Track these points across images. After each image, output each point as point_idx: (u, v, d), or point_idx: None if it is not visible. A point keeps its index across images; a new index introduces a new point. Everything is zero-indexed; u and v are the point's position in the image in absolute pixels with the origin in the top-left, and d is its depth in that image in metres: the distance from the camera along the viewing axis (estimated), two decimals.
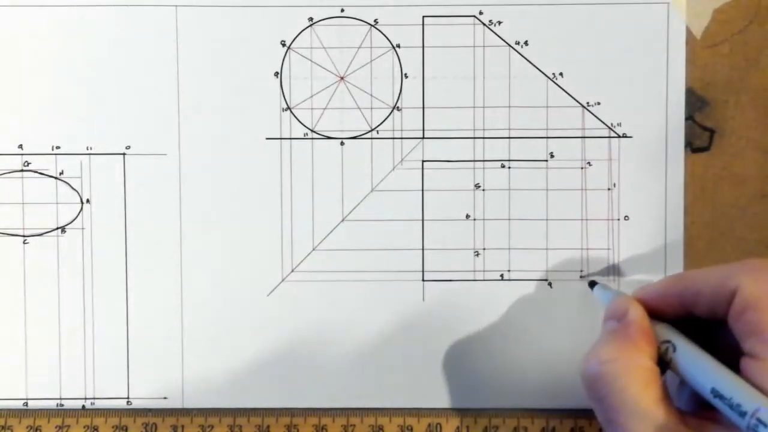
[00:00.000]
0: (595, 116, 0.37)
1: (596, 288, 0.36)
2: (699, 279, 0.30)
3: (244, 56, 0.37)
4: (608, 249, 0.37)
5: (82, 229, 0.38)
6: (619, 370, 0.29)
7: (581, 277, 0.37)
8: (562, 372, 0.37)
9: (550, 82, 0.37)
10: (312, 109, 0.38)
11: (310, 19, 0.37)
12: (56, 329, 0.38)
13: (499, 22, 0.37)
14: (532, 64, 0.37)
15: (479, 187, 0.38)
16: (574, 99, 0.37)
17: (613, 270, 0.37)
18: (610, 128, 0.37)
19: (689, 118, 0.37)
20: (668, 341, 0.30)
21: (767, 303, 0.27)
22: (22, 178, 0.38)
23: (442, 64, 0.37)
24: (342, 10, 0.37)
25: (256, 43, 0.37)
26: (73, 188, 0.38)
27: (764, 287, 0.27)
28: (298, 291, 0.38)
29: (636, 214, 0.38)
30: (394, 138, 0.38)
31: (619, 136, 0.37)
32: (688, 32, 0.37)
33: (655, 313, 0.31)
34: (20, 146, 0.38)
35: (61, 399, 0.38)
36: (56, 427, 0.37)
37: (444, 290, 0.38)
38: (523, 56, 0.37)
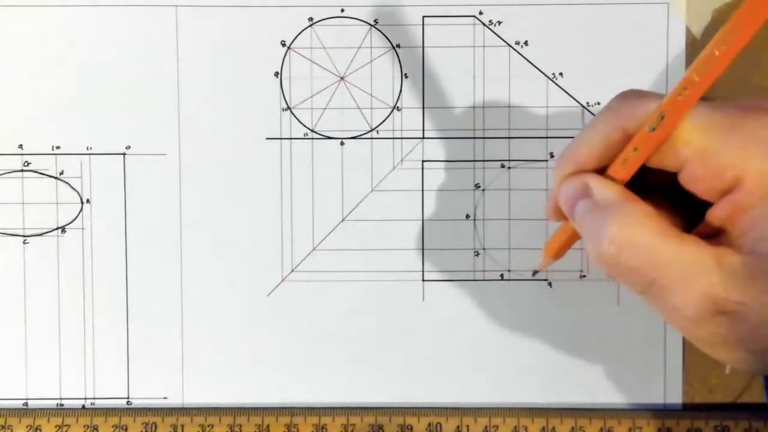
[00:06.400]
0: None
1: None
2: (678, 153, 0.26)
3: (244, 56, 0.37)
4: None
5: (82, 229, 0.38)
6: (632, 239, 0.26)
7: (581, 277, 0.37)
8: (562, 371, 0.37)
9: (550, 82, 0.37)
10: (312, 109, 0.38)
11: (310, 19, 0.37)
12: (56, 329, 0.38)
13: (499, 22, 0.37)
14: (532, 64, 0.37)
15: (479, 187, 0.38)
16: (574, 99, 0.37)
17: None
18: None
19: None
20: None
21: None
22: (22, 178, 0.38)
23: (442, 64, 0.37)
24: (342, 10, 0.37)
25: (256, 43, 0.37)
26: (73, 188, 0.38)
27: None
28: (298, 291, 0.38)
29: None
30: (394, 138, 0.38)
31: None
32: (688, 32, 0.37)
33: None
34: (20, 146, 0.38)
35: (61, 399, 0.38)
36: (56, 427, 0.37)
37: (444, 290, 0.38)
38: (523, 56, 0.37)
